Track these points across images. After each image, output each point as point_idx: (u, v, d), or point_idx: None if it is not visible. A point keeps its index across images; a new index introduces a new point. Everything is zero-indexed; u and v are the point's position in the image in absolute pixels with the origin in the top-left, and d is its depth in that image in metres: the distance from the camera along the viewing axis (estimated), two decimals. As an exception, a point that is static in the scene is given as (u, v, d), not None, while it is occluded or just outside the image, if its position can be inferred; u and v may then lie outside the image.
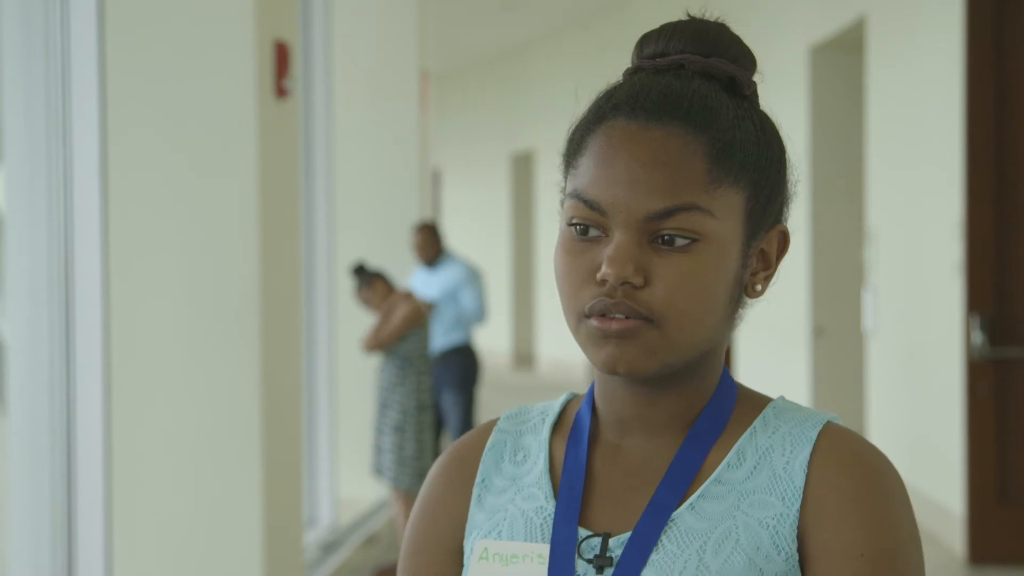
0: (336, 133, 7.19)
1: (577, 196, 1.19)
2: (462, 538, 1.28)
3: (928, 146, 6.98)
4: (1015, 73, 6.14)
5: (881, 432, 7.93)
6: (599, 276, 1.17)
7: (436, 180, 18.48)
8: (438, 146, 16.03)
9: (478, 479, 1.29)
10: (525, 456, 1.29)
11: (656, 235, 1.17)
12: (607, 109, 1.21)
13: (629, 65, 1.27)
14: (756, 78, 1.26)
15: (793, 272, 9.02)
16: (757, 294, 1.24)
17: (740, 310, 1.25)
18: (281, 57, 4.07)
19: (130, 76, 3.84)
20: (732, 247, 1.20)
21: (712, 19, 1.25)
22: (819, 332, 9.01)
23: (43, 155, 3.56)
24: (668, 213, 1.16)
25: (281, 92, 4.07)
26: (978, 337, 6.06)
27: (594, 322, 1.18)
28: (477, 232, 18.29)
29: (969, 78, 6.13)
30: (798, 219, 8.75)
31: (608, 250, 1.17)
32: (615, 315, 1.17)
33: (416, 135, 8.43)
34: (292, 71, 4.15)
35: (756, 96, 1.26)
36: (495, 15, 14.67)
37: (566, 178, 1.23)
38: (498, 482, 1.29)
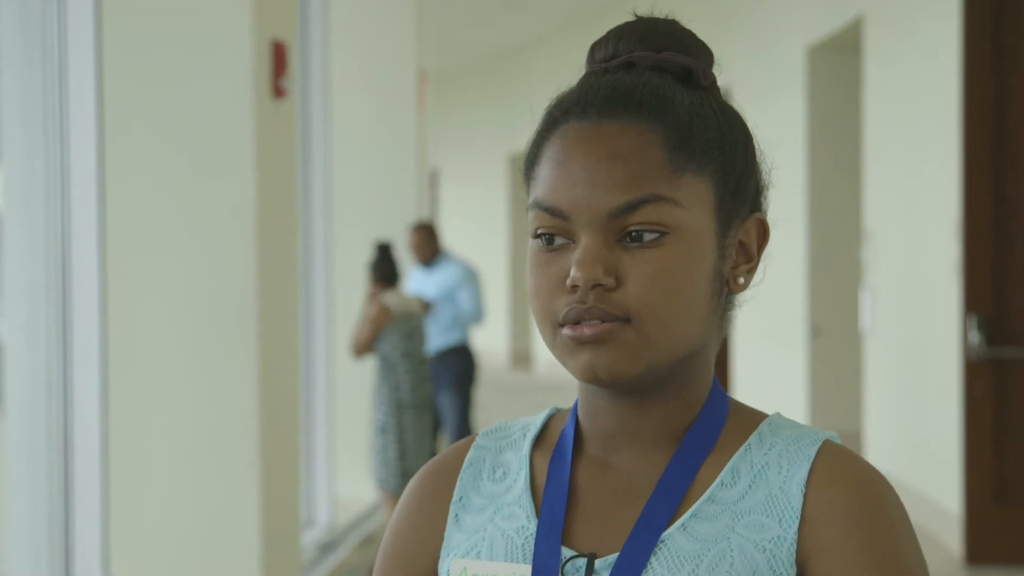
0: (334, 133, 7.19)
1: (538, 205, 1.15)
2: (436, 559, 1.23)
3: (926, 146, 6.98)
4: (1013, 73, 6.14)
5: (878, 433, 7.93)
6: (569, 282, 1.12)
7: (434, 180, 18.46)
8: (436, 146, 16.03)
9: (455, 497, 1.23)
10: (504, 473, 1.23)
11: (623, 233, 1.12)
12: (558, 115, 1.17)
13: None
14: (715, 70, 1.21)
15: (791, 272, 9.02)
16: (740, 288, 1.18)
17: (728, 309, 1.20)
18: (279, 57, 4.07)
19: (127, 76, 3.84)
20: (705, 238, 1.14)
21: (661, 16, 1.20)
22: (816, 332, 9.01)
23: (41, 155, 3.56)
24: (632, 207, 1.11)
25: (279, 92, 4.07)
26: (975, 337, 6.06)
27: (567, 331, 1.12)
28: (475, 232, 18.29)
29: (967, 78, 6.13)
30: (796, 219, 8.75)
31: (576, 254, 1.12)
32: (589, 321, 1.11)
33: (414, 135, 8.44)
34: (290, 71, 4.15)
35: (715, 88, 1.21)
36: (495, 15, 14.67)
37: (528, 192, 1.18)
38: (476, 500, 1.23)
